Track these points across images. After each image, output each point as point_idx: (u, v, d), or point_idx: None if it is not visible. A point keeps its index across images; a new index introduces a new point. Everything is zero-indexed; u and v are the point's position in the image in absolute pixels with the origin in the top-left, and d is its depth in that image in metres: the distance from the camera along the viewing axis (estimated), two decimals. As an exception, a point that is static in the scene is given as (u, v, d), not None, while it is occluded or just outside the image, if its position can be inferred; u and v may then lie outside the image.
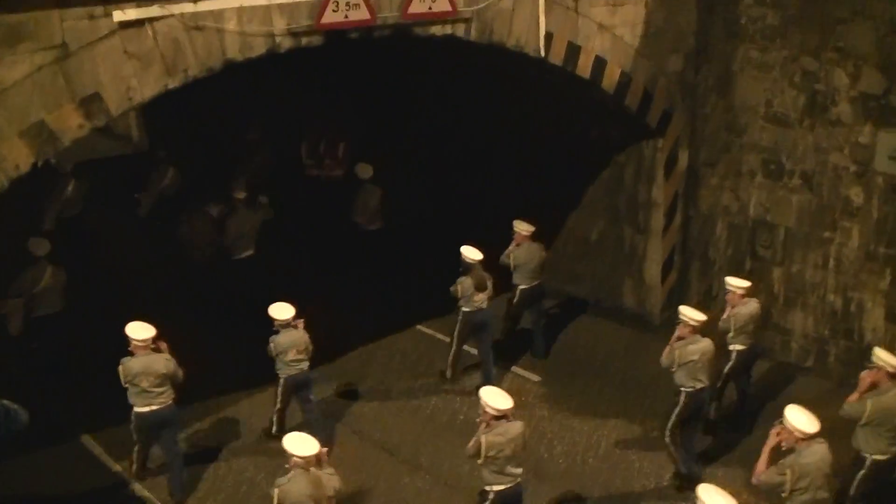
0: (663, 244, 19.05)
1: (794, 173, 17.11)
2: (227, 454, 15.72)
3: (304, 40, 14.12)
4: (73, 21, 12.17)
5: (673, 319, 16.28)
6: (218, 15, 13.22)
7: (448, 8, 15.03)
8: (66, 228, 22.12)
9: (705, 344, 14.14)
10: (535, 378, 17.83)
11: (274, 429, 15.42)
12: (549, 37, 16.26)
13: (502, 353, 18.16)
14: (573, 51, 16.68)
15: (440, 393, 17.31)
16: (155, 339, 14.09)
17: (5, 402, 12.34)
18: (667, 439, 14.39)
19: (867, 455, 12.47)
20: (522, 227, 17.88)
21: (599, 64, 17.07)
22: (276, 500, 11.19)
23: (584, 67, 16.93)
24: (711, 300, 18.58)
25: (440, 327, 19.23)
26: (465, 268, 16.92)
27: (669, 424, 14.32)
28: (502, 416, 11.96)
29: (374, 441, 15.98)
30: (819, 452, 11.11)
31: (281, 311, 15.15)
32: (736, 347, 15.36)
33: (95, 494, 14.85)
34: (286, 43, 13.95)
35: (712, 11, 17.72)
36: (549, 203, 20.40)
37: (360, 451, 15.73)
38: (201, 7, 13.06)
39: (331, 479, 11.45)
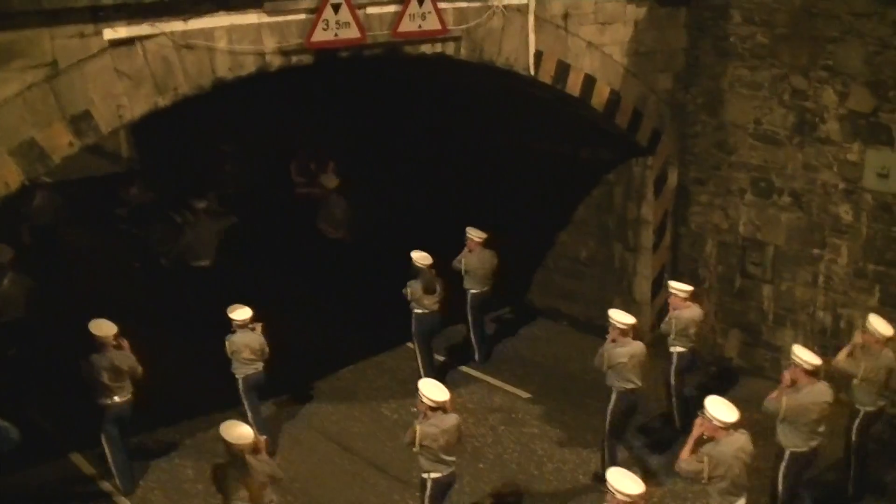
0: (653, 262, 19.09)
1: (784, 191, 17.17)
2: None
3: (295, 59, 14.14)
4: (64, 39, 12.19)
5: (664, 337, 16.38)
6: (208, 34, 13.24)
7: (438, 27, 15.07)
8: (38, 238, 22.89)
9: (635, 347, 14.61)
10: (525, 395, 17.84)
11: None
12: (538, 55, 16.32)
13: (493, 369, 18.30)
14: (563, 69, 16.74)
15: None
16: (116, 337, 14.68)
17: (-4, 419, 12.35)
18: (606, 441, 15.00)
19: (787, 448, 12.93)
20: (475, 234, 18.64)
21: (589, 82, 17.13)
22: (215, 481, 11.94)
23: (574, 86, 16.99)
24: (702, 318, 18.59)
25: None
26: (415, 272, 17.64)
27: (608, 424, 14.92)
28: (438, 408, 12.56)
29: (365, 458, 15.96)
30: (738, 442, 11.56)
31: (238, 312, 15.64)
32: (677, 349, 15.99)
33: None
34: (276, 61, 13.97)
35: (701, 30, 17.79)
36: (539, 221, 20.50)
37: (351, 467, 15.75)
38: (191, 26, 13.08)
39: (264, 466, 11.96)
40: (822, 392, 12.83)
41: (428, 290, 17.64)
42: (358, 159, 24.00)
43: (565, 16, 16.59)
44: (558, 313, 20.80)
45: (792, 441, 12.88)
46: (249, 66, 13.77)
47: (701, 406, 11.83)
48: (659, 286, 19.22)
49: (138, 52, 12.81)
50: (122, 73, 12.74)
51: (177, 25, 13.00)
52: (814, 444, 12.94)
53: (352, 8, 14.10)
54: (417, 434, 12.49)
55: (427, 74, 18.48)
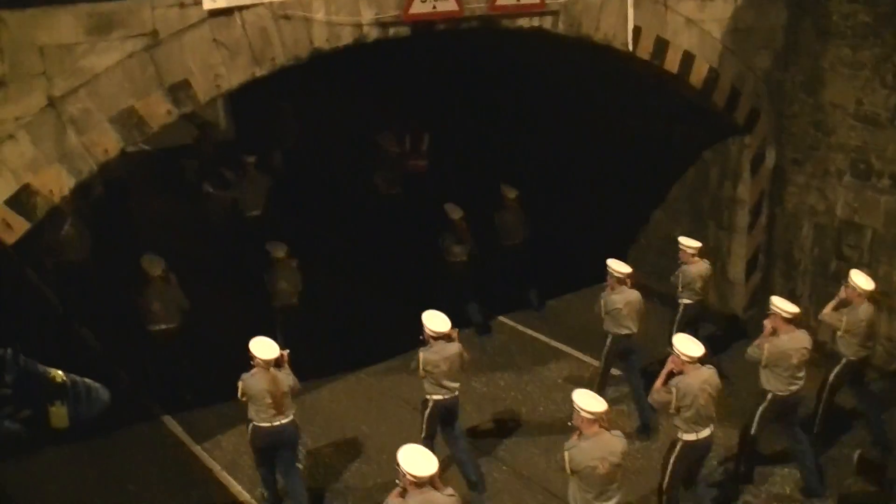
0: (748, 242, 18.87)
1: (884, 174, 16.82)
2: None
3: (392, 31, 14.21)
4: (164, 9, 12.40)
5: (757, 318, 16.17)
6: (306, 4, 13.36)
7: (536, 0, 15.02)
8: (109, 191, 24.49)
9: (631, 295, 15.80)
10: (616, 372, 17.73)
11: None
12: (637, 31, 16.19)
13: (582, 345, 18.29)
14: (661, 46, 16.59)
15: (520, 385, 17.35)
16: (164, 272, 16.76)
17: (87, 380, 12.56)
18: (599, 380, 16.20)
19: (769, 392, 13.82)
20: (507, 191, 20.00)
21: (687, 60, 16.97)
22: (239, 391, 13.10)
23: (672, 63, 16.84)
24: (796, 301, 18.31)
25: (522, 319, 19.49)
26: (447, 223, 19.13)
27: (602, 364, 16.31)
28: (440, 337, 13.76)
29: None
30: (703, 375, 12.58)
31: (277, 249, 17.60)
32: (683, 301, 17.00)
33: (174, 477, 15.18)
34: (373, 33, 14.06)
35: (802, 8, 17.49)
36: (633, 199, 20.37)
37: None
38: (290, -4, 13.24)
39: (286, 378, 13.20)
40: (801, 339, 13.76)
41: (459, 241, 19.06)
42: (447, 133, 24.21)
43: (664, -9, 16.48)
44: (649, 290, 20.55)
45: (774, 385, 13.75)
46: (346, 37, 13.87)
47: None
48: (753, 267, 19.05)
49: (237, 23, 12.98)
50: (221, 44, 12.91)
51: (275, -4, 13.15)
52: (794, 388, 13.79)
53: (450, -20, 14.16)
54: (421, 360, 13.76)
55: (522, 49, 18.42)
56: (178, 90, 12.72)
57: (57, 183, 12.15)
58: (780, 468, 14.77)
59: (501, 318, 20.03)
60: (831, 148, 17.48)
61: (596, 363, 16.94)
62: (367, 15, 13.92)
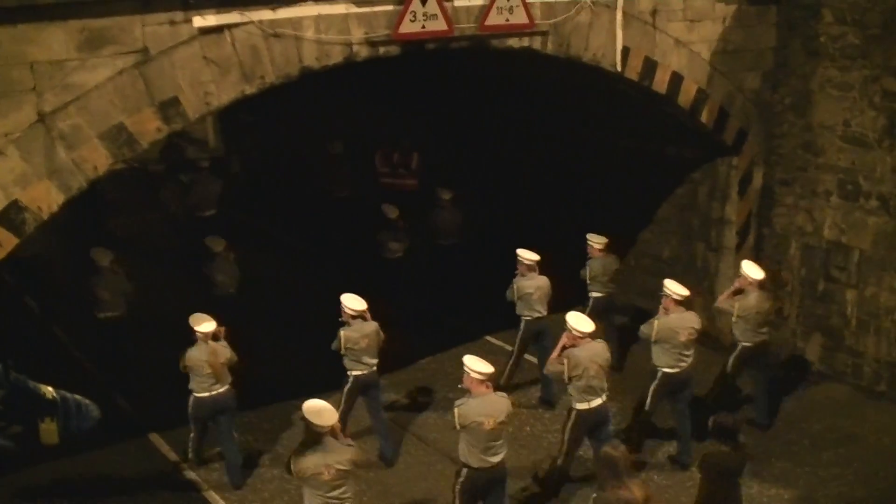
0: (735, 263, 18.78)
1: (872, 195, 16.89)
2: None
3: (382, 50, 14.24)
4: (155, 26, 12.42)
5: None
6: (296, 23, 13.40)
7: (525, 21, 15.08)
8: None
9: (540, 280, 16.98)
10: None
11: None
12: (625, 52, 16.27)
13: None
14: (650, 66, 16.66)
15: None
16: (112, 262, 18.09)
17: (77, 396, 12.53)
18: (512, 360, 17.45)
19: (659, 369, 14.98)
20: (442, 193, 21.48)
21: (676, 80, 17.04)
22: (181, 362, 14.42)
23: (661, 83, 16.90)
24: (783, 321, 18.40)
25: (510, 338, 19.39)
26: (385, 222, 20.71)
27: (515, 348, 17.45)
28: (358, 316, 14.89)
29: (439, 449, 16.01)
30: (594, 349, 13.79)
31: (216, 243, 19.15)
32: (593, 294, 18.16)
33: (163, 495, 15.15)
34: (363, 52, 14.09)
35: (791, 30, 17.58)
36: (622, 219, 20.37)
37: (425, 458, 15.85)
38: (280, 14, 13.27)
39: (224, 350, 14.57)
40: (689, 319, 14.95)
41: (394, 239, 20.63)
42: (444, 159, 24.28)
43: (653, 12, 16.53)
44: (638, 310, 20.64)
45: (664, 361, 14.90)
46: (336, 55, 13.91)
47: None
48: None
49: (227, 40, 13.00)
50: (211, 61, 12.93)
51: (265, 14, 13.19)
52: (683, 364, 14.92)
53: (440, 0, 14.16)
54: (343, 338, 14.81)
55: (512, 68, 18.45)
56: (169, 107, 12.72)
57: (46, 199, 12.12)
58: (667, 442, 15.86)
59: (489, 338, 19.94)
60: (819, 168, 17.55)
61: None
62: (357, 34, 13.96)
